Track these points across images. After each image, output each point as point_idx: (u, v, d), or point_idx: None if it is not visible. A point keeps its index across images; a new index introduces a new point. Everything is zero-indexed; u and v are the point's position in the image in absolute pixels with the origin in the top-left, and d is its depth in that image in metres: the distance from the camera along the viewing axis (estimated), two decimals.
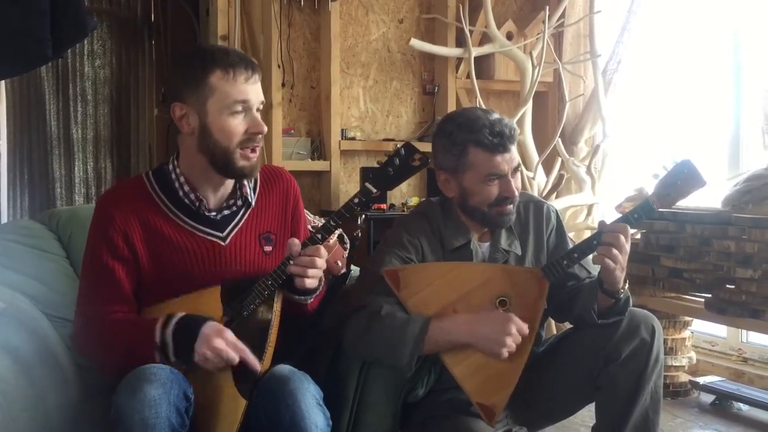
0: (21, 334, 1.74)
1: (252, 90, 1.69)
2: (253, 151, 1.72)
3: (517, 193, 1.92)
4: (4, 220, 3.99)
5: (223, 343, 1.57)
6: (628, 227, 1.78)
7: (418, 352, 1.75)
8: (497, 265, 1.94)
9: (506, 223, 1.95)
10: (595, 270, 2.02)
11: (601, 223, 1.83)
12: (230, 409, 1.59)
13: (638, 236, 3.26)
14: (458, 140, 1.89)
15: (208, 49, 1.73)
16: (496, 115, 1.91)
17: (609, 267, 1.77)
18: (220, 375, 1.62)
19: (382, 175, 1.72)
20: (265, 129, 1.72)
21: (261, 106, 1.73)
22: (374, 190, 1.71)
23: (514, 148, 1.91)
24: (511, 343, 1.74)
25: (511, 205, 1.93)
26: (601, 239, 1.78)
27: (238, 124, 1.68)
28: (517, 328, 1.75)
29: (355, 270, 2.35)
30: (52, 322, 1.92)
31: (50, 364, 1.77)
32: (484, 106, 3.74)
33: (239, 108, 1.68)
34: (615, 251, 1.76)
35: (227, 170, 1.72)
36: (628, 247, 1.78)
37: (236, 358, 1.58)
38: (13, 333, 1.72)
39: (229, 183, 1.80)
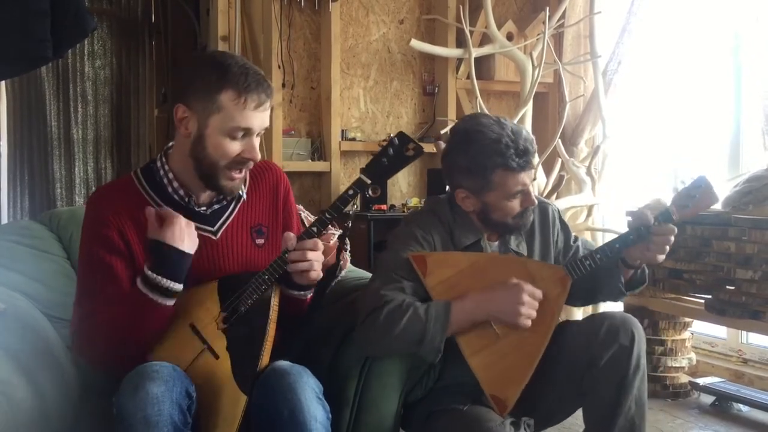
0: (21, 335, 1.75)
1: (258, 117, 1.67)
2: (240, 172, 1.71)
3: (536, 200, 1.93)
4: (5, 220, 4.00)
5: (180, 225, 1.63)
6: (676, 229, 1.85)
7: (445, 335, 1.77)
8: (522, 259, 1.95)
9: (526, 228, 1.97)
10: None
11: (636, 222, 1.86)
12: (231, 405, 1.59)
13: None
14: (487, 165, 1.85)
15: (228, 63, 1.67)
16: (511, 126, 1.87)
17: (659, 261, 1.85)
18: (220, 372, 1.62)
19: (377, 166, 1.71)
20: (258, 157, 1.71)
21: (263, 132, 1.73)
22: (369, 181, 1.70)
23: None
24: (527, 310, 1.78)
25: (532, 212, 1.95)
26: (656, 240, 1.83)
27: (233, 148, 1.67)
28: (528, 293, 1.79)
29: (354, 270, 2.35)
30: (53, 323, 1.92)
31: (50, 364, 1.77)
32: (484, 107, 3.75)
33: (239, 134, 1.67)
34: (668, 247, 1.84)
35: (208, 183, 1.72)
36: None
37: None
38: (13, 334, 1.72)
39: None
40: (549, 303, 1.85)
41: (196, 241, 1.67)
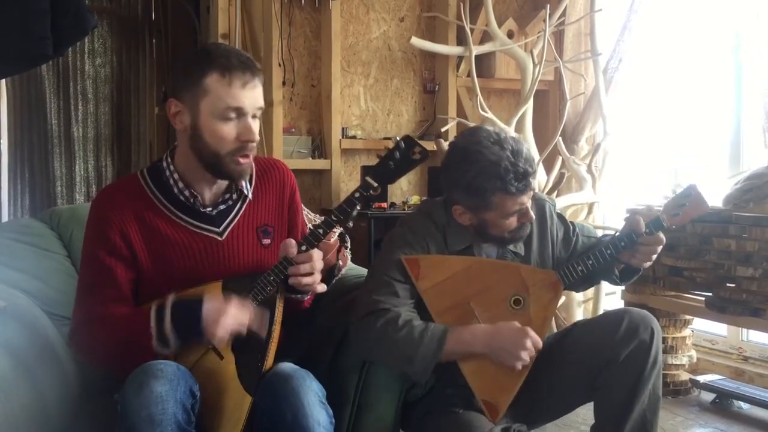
0: (22, 333, 1.75)
1: (248, 96, 1.65)
2: (245, 156, 1.69)
3: (533, 215, 1.93)
4: (5, 218, 4.00)
5: (231, 320, 1.56)
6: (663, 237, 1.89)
7: (435, 361, 1.78)
8: (515, 264, 1.95)
9: (523, 239, 1.96)
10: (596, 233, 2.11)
11: (628, 227, 1.88)
12: (235, 405, 1.59)
13: None
14: (486, 188, 1.83)
15: (210, 49, 1.68)
16: (512, 146, 1.84)
17: (646, 266, 1.91)
18: (225, 372, 1.62)
19: (383, 169, 1.70)
20: (257, 138, 1.69)
21: (258, 113, 1.70)
22: (375, 184, 1.69)
23: None
24: (526, 357, 1.79)
25: (529, 225, 1.95)
26: (643, 249, 1.87)
27: (229, 131, 1.65)
28: (533, 342, 1.79)
29: (354, 268, 2.35)
30: (53, 321, 1.92)
31: (51, 362, 1.78)
32: (485, 105, 3.74)
33: (232, 115, 1.64)
34: (654, 256, 1.89)
35: (217, 172, 1.71)
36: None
37: (244, 330, 1.59)
38: (13, 331, 1.72)
39: (224, 180, 1.79)
40: (541, 309, 1.86)
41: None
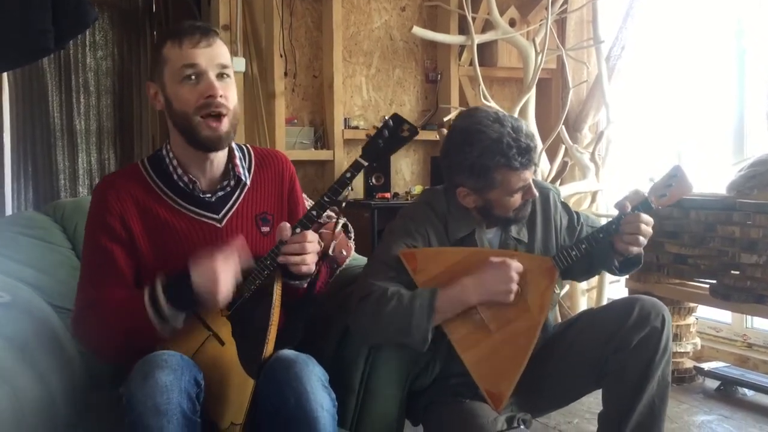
0: (26, 325, 1.75)
1: (201, 53, 1.67)
2: (217, 120, 1.69)
3: (536, 192, 1.93)
4: (9, 211, 4.01)
5: (224, 275, 1.57)
6: (646, 216, 1.87)
7: (431, 323, 1.77)
8: (511, 252, 1.95)
9: (526, 218, 1.97)
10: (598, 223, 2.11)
11: (614, 221, 1.88)
12: (239, 390, 1.60)
13: None
14: (489, 165, 1.85)
15: (170, 27, 1.75)
16: (512, 123, 1.87)
17: (634, 251, 1.88)
18: (227, 358, 1.63)
19: (373, 147, 1.72)
20: (218, 91, 1.68)
21: (224, 71, 1.70)
22: (365, 163, 1.71)
23: None
24: (515, 285, 1.81)
25: (531, 202, 1.96)
26: (624, 229, 1.85)
27: (191, 90, 1.67)
28: (515, 269, 1.81)
29: (358, 258, 2.35)
30: (57, 313, 1.92)
31: (56, 354, 1.78)
32: (487, 94, 3.73)
33: (188, 72, 1.67)
34: (642, 238, 1.85)
35: (195, 141, 1.71)
36: (650, 229, 1.89)
37: (239, 275, 1.60)
38: (18, 324, 1.73)
39: (219, 163, 1.79)
40: (538, 296, 1.87)
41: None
